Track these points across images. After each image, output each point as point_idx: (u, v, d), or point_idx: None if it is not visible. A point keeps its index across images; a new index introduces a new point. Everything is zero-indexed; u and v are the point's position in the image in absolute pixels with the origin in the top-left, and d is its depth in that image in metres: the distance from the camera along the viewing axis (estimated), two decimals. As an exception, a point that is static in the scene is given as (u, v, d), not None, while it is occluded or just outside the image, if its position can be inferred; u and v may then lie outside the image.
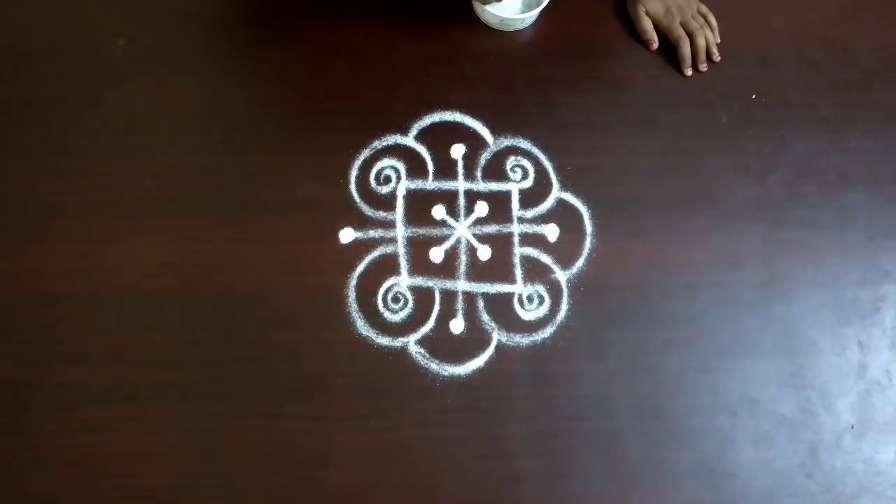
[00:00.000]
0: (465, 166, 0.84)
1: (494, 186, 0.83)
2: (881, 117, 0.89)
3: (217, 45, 0.88)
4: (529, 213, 0.82)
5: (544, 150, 0.85)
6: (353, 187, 0.82)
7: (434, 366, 0.76)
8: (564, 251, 0.81)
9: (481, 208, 0.82)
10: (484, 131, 0.85)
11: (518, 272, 0.80)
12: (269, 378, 0.74)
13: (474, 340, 0.77)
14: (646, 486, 0.73)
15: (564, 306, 0.79)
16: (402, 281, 0.79)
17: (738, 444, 0.75)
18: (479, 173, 0.84)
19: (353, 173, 0.83)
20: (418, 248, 0.80)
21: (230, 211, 0.80)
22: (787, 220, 0.84)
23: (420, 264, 0.80)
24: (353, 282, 0.78)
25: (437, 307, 0.78)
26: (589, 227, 0.82)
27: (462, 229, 0.81)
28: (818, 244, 0.83)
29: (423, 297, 0.78)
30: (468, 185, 0.83)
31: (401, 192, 0.82)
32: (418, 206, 0.82)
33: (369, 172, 0.83)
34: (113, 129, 0.83)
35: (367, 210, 0.81)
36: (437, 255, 0.80)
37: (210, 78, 0.86)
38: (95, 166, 0.81)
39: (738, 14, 0.93)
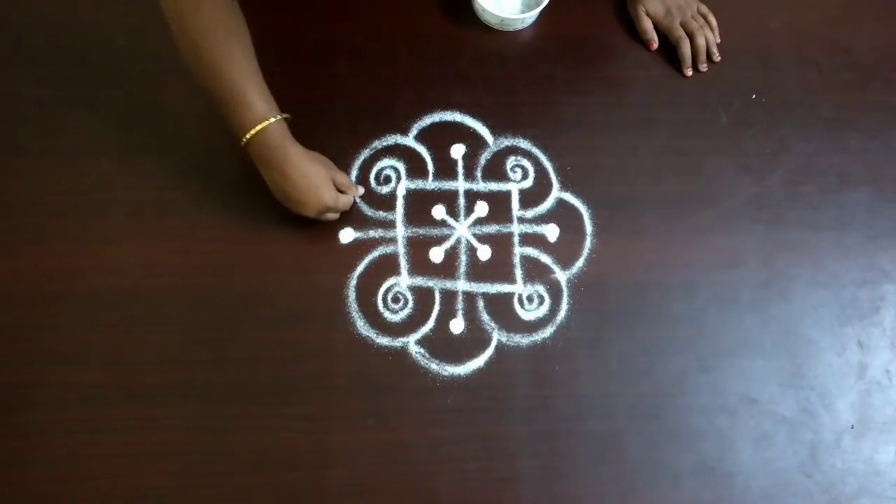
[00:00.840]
0: (465, 166, 0.84)
1: (494, 186, 0.83)
2: (881, 117, 0.89)
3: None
4: (529, 213, 0.82)
5: (544, 150, 0.85)
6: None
7: (434, 366, 0.76)
8: (564, 251, 0.81)
9: (481, 208, 0.82)
10: (484, 131, 0.85)
11: (518, 272, 0.80)
12: (269, 378, 0.74)
13: (474, 340, 0.77)
14: (646, 486, 0.73)
15: (564, 306, 0.79)
16: (402, 281, 0.79)
17: (738, 444, 0.75)
18: (479, 173, 0.84)
19: (353, 173, 0.83)
20: (418, 248, 0.80)
21: (230, 211, 0.80)
22: (787, 220, 0.84)
23: (420, 264, 0.80)
24: (353, 282, 0.78)
25: (437, 307, 0.78)
26: (589, 227, 0.82)
27: (462, 229, 0.81)
28: (818, 244, 0.83)
29: (423, 297, 0.78)
30: (468, 185, 0.83)
31: (401, 192, 0.82)
32: (418, 206, 0.82)
33: (369, 172, 0.83)
34: (113, 129, 0.83)
35: (367, 210, 0.81)
36: (437, 255, 0.80)
37: (210, 78, 0.86)
38: (95, 166, 0.81)
39: (738, 14, 0.93)
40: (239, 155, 0.82)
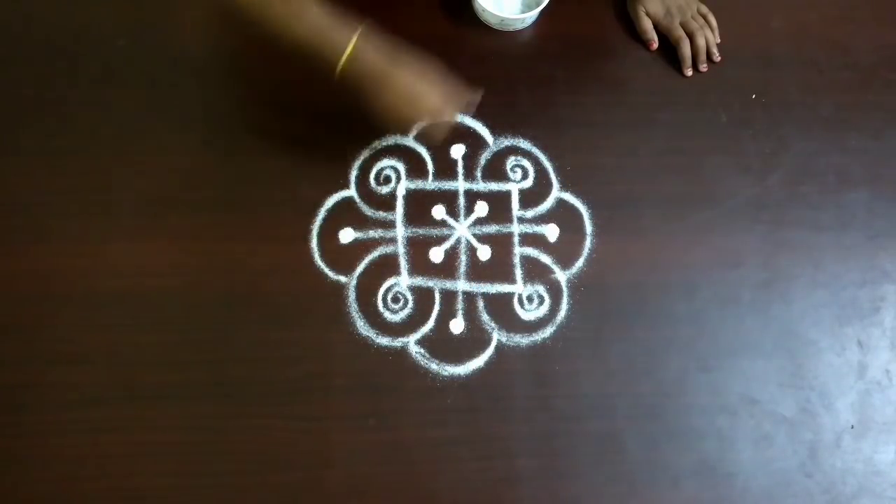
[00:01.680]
0: (465, 166, 0.84)
1: (494, 186, 0.83)
2: (881, 117, 0.89)
3: (217, 46, 0.88)
4: (529, 213, 0.82)
5: (544, 150, 0.85)
6: (353, 187, 0.82)
7: (434, 366, 0.76)
8: (564, 251, 0.81)
9: (481, 208, 0.82)
10: (484, 131, 0.85)
11: (518, 272, 0.80)
12: (269, 378, 0.74)
13: (474, 340, 0.77)
14: (646, 486, 0.73)
15: (564, 306, 0.79)
16: (402, 281, 0.79)
17: (738, 444, 0.75)
18: (479, 173, 0.84)
19: (353, 173, 0.83)
20: (418, 248, 0.80)
21: (230, 211, 0.80)
22: (787, 220, 0.84)
23: (420, 264, 0.80)
24: (353, 282, 0.78)
25: (437, 307, 0.78)
26: (589, 227, 0.82)
27: (462, 229, 0.81)
28: (818, 244, 0.83)
29: (423, 297, 0.78)
30: (468, 185, 0.83)
31: (401, 192, 0.82)
32: (418, 206, 0.82)
33: (369, 172, 0.83)
34: (113, 129, 0.83)
35: (366, 210, 0.81)
36: (437, 255, 0.80)
37: (210, 78, 0.86)
38: (95, 166, 0.81)
39: (738, 14, 0.93)
40: (239, 154, 0.82)
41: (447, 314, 0.78)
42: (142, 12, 0.89)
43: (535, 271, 0.80)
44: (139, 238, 0.79)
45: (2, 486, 0.70)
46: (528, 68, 0.89)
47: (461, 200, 0.83)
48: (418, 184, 0.83)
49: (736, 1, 0.94)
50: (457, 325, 0.77)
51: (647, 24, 0.90)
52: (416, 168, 0.83)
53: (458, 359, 0.76)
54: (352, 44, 0.68)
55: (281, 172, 0.82)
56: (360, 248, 0.80)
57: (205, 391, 0.74)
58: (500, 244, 0.81)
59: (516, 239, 0.81)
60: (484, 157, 0.84)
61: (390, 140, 0.84)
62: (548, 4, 0.86)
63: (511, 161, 0.84)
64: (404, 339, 0.77)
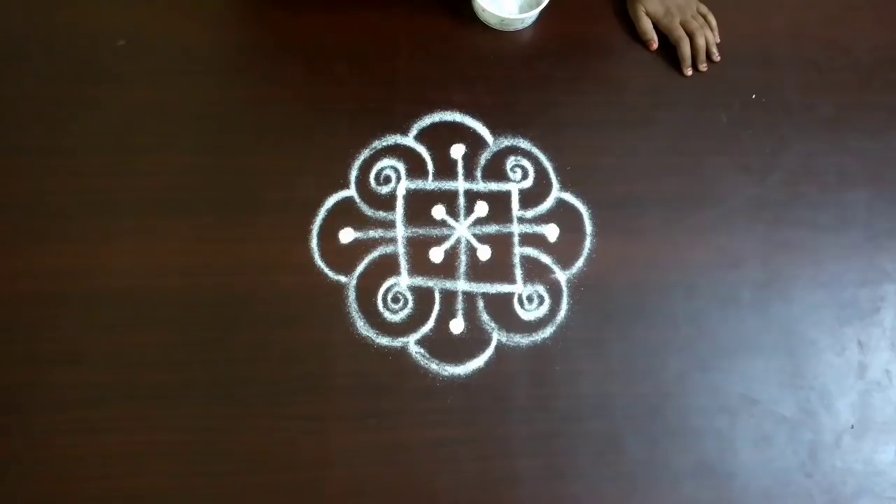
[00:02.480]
0: (465, 166, 0.84)
1: (494, 186, 0.83)
2: (881, 117, 0.89)
3: (217, 46, 0.88)
4: (529, 213, 0.82)
5: (544, 150, 0.85)
6: (353, 187, 0.82)
7: (434, 366, 0.76)
8: (564, 251, 0.81)
9: (481, 208, 0.82)
10: (484, 131, 0.85)
11: (518, 272, 0.80)
12: (269, 378, 0.74)
13: (474, 340, 0.77)
14: (646, 486, 0.73)
15: (564, 306, 0.79)
16: (402, 281, 0.79)
17: (738, 444, 0.75)
18: (479, 173, 0.84)
19: (353, 173, 0.83)
20: (418, 248, 0.80)
21: (230, 211, 0.80)
22: (787, 220, 0.84)
23: (420, 264, 0.80)
24: (353, 282, 0.78)
25: (437, 307, 0.78)
26: (589, 227, 0.82)
27: (462, 229, 0.81)
28: (818, 244, 0.83)
29: (423, 297, 0.78)
30: (468, 185, 0.83)
31: (401, 192, 0.82)
32: (418, 206, 0.82)
33: (369, 172, 0.83)
34: (112, 129, 0.83)
35: (366, 210, 0.81)
36: (437, 255, 0.80)
37: (210, 78, 0.86)
38: (95, 166, 0.81)
39: (738, 14, 0.93)
40: (239, 154, 0.82)
41: (447, 314, 0.78)
42: (142, 12, 0.89)
43: (535, 271, 0.80)
44: (139, 238, 0.79)
45: (2, 486, 0.70)
46: (528, 68, 0.89)
47: (461, 200, 0.83)
48: (418, 184, 0.83)
49: (736, 1, 0.94)
50: (457, 325, 0.77)
51: (647, 24, 0.90)
52: (416, 168, 0.83)
53: (458, 359, 0.76)
54: None
55: (281, 172, 0.82)
56: (360, 248, 0.80)
57: (205, 391, 0.74)
58: (500, 244, 0.81)
59: (516, 239, 0.81)
60: (484, 157, 0.84)
61: (390, 140, 0.84)
62: (548, 4, 0.86)
63: (511, 161, 0.84)
64: (404, 339, 0.77)
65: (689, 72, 0.89)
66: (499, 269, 0.80)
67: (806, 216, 0.84)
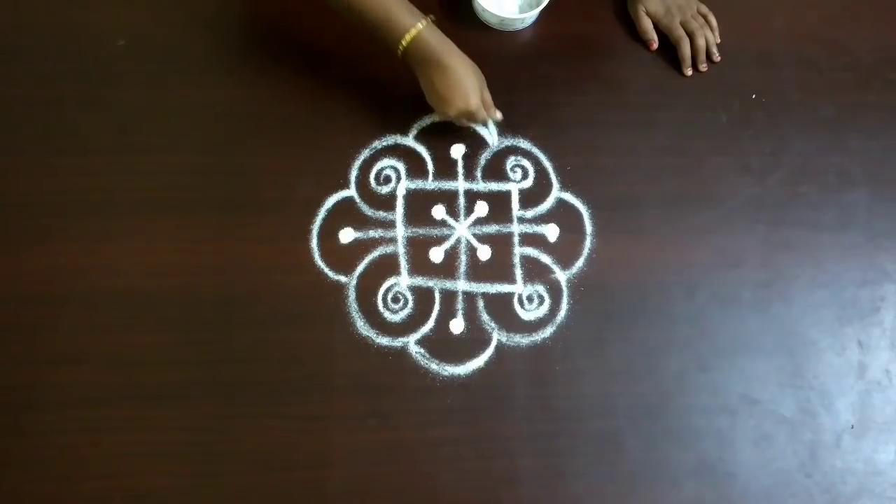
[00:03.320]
0: (465, 166, 0.84)
1: (494, 186, 0.83)
2: (881, 117, 0.89)
3: (217, 45, 0.88)
4: (529, 213, 0.82)
5: (544, 150, 0.85)
6: (353, 187, 0.82)
7: (434, 366, 0.76)
8: (564, 251, 0.81)
9: (481, 208, 0.82)
10: (484, 131, 0.85)
11: (518, 272, 0.80)
12: (269, 378, 0.74)
13: (474, 340, 0.77)
14: (646, 486, 0.73)
15: (564, 306, 0.79)
16: (402, 281, 0.79)
17: (738, 444, 0.75)
18: (479, 173, 0.84)
19: (353, 173, 0.83)
20: (418, 248, 0.80)
21: (230, 211, 0.80)
22: (787, 220, 0.84)
23: (420, 264, 0.80)
24: (353, 282, 0.78)
25: (437, 307, 0.78)
26: (589, 227, 0.82)
27: (462, 229, 0.81)
28: (818, 244, 0.83)
29: (423, 297, 0.78)
30: (468, 185, 0.83)
31: (401, 192, 0.82)
32: (418, 206, 0.82)
33: (369, 172, 0.83)
34: (112, 129, 0.83)
35: (366, 210, 0.81)
36: (437, 255, 0.80)
37: (210, 78, 0.86)
38: (95, 166, 0.81)
39: (738, 14, 0.93)
40: (239, 154, 0.82)
41: (447, 314, 0.78)
42: (142, 12, 0.89)
43: (535, 271, 0.80)
44: (139, 238, 0.79)
45: (2, 486, 0.70)
46: (528, 68, 0.89)
47: (461, 200, 0.83)
48: (418, 184, 0.83)
49: (736, 1, 0.94)
50: (457, 325, 0.77)
51: (648, 24, 0.90)
52: (416, 168, 0.83)
53: (458, 359, 0.76)
54: (420, 26, 0.73)
55: (281, 172, 0.82)
56: (360, 247, 0.80)
57: (205, 391, 0.74)
58: (500, 244, 0.81)
59: (516, 239, 0.81)
60: (484, 157, 0.84)
61: (390, 140, 0.84)
62: (548, 4, 0.86)
63: (511, 161, 0.84)
64: (404, 339, 0.77)
65: (689, 72, 0.89)
66: (499, 269, 0.80)
67: (806, 216, 0.84)
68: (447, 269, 0.80)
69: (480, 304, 0.78)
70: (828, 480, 0.74)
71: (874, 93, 0.91)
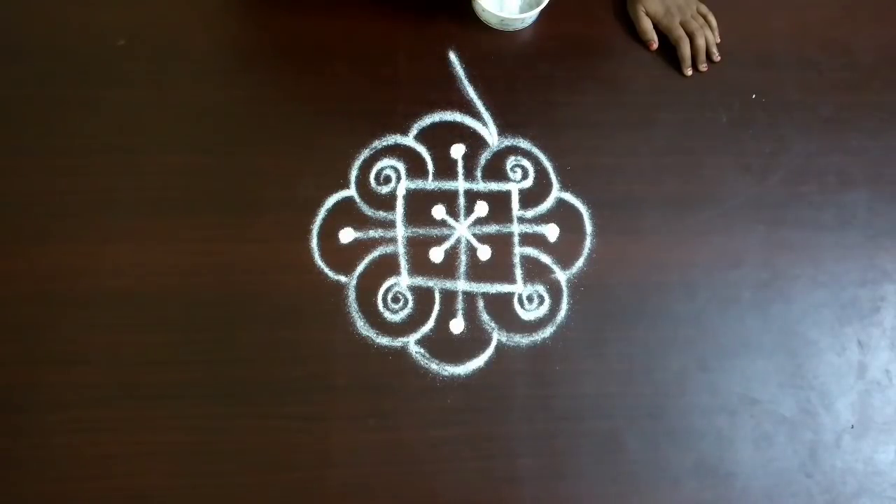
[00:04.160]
0: (465, 166, 0.84)
1: (494, 186, 0.83)
2: (881, 117, 0.89)
3: (217, 46, 0.88)
4: (529, 213, 0.82)
5: (544, 150, 0.85)
6: (353, 187, 0.82)
7: (434, 366, 0.76)
8: (564, 251, 0.81)
9: (481, 208, 0.82)
10: (484, 131, 0.85)
11: (518, 272, 0.80)
12: (269, 378, 0.74)
13: (474, 340, 0.77)
14: (646, 486, 0.73)
15: (564, 306, 0.79)
16: (402, 281, 0.79)
17: (738, 444, 0.75)
18: (479, 173, 0.84)
19: (353, 173, 0.83)
20: (418, 248, 0.80)
21: (230, 211, 0.80)
22: (787, 220, 0.84)
23: (420, 264, 0.80)
24: (353, 282, 0.78)
25: (437, 307, 0.78)
26: (589, 227, 0.82)
27: (462, 229, 0.82)
28: (818, 244, 0.83)
29: (423, 297, 0.78)
30: (468, 185, 0.83)
31: (401, 192, 0.82)
32: (418, 206, 0.82)
33: (369, 172, 0.83)
34: (112, 129, 0.83)
35: (366, 210, 0.81)
36: (437, 255, 0.80)
37: (210, 78, 0.86)
38: (95, 166, 0.81)
39: (738, 14, 0.93)
40: (239, 154, 0.82)
41: (447, 314, 0.78)
42: (142, 12, 0.89)
43: (535, 271, 0.80)
44: (139, 238, 0.79)
45: (2, 486, 0.70)
46: (528, 68, 0.89)
47: (461, 200, 0.83)
48: (418, 184, 0.83)
49: (736, 1, 0.94)
50: (457, 325, 0.77)
51: (647, 24, 0.90)
52: (416, 168, 0.83)
53: (458, 359, 0.76)
54: None
55: (281, 172, 0.82)
56: (360, 247, 0.80)
57: (205, 391, 0.74)
58: (500, 244, 0.81)
59: (516, 239, 0.81)
60: (484, 157, 0.84)
61: (390, 140, 0.84)
62: (548, 4, 0.86)
63: (511, 161, 0.84)
64: (404, 339, 0.77)
65: (689, 72, 0.89)
66: (499, 269, 0.80)
67: (806, 216, 0.84)
68: (447, 269, 0.80)
69: (480, 304, 0.78)
70: (828, 480, 0.74)
71: (874, 93, 0.91)
